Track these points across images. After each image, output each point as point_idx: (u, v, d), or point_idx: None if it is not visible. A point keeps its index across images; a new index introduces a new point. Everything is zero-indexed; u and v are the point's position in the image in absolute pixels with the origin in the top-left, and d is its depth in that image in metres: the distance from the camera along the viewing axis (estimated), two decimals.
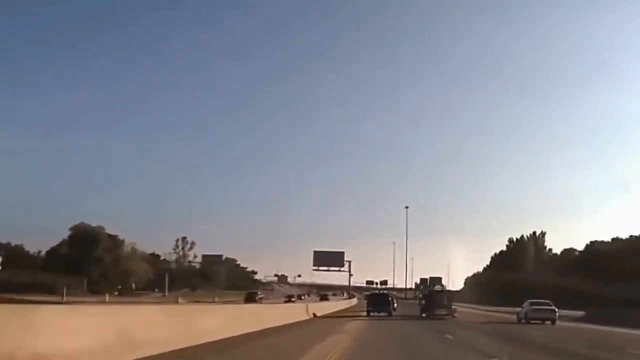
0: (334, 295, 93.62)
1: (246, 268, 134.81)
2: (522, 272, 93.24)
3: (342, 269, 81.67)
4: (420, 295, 56.98)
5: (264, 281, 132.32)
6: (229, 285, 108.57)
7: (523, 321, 32.81)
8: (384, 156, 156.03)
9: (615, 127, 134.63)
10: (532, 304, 33.66)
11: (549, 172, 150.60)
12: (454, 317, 35.15)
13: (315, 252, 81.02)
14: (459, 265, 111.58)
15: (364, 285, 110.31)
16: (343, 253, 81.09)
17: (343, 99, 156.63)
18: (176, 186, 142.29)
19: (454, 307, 36.80)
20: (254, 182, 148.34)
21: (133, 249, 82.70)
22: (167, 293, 78.84)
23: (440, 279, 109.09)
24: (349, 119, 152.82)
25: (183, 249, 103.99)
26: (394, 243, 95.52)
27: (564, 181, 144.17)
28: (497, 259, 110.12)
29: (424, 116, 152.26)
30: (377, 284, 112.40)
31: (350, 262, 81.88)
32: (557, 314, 32.44)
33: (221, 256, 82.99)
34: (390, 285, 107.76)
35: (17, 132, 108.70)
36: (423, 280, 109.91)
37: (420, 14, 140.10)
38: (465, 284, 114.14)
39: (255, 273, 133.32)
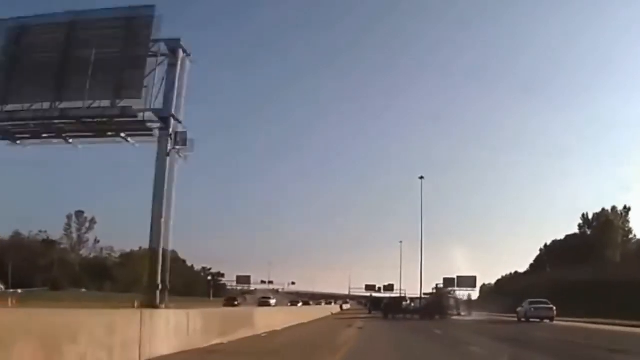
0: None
1: (209, 269, 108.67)
2: (603, 266, 58.58)
3: None
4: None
5: (252, 288, 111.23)
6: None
7: (523, 319, 34.16)
8: (389, 162, 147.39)
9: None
10: (530, 303, 35.19)
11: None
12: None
13: None
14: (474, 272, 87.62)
15: (364, 291, 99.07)
16: None
17: (345, 107, 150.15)
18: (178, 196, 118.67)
19: None
20: (254, 190, 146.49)
21: None
22: None
23: (474, 277, 77.53)
24: (350, 128, 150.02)
25: (79, 229, 67.59)
26: (401, 242, 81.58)
27: None
28: (557, 249, 74.73)
29: (428, 121, 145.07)
30: (379, 288, 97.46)
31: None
32: (555, 312, 33.77)
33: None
34: (397, 289, 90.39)
35: None
36: (448, 281, 76.35)
37: (421, 23, 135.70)
38: (481, 291, 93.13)
39: (222, 275, 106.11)
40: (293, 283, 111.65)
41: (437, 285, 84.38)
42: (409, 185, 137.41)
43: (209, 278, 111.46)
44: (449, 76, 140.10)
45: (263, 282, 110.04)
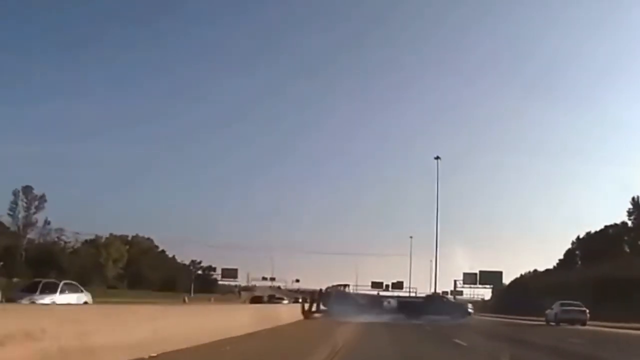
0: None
1: (199, 262, 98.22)
2: None
3: None
4: None
5: (251, 284, 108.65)
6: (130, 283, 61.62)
7: (552, 323, 32.47)
8: (394, 159, 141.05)
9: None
10: (562, 305, 33.10)
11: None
12: None
13: None
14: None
15: (369, 289, 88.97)
16: None
17: (346, 107, 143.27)
18: (175, 194, 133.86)
19: None
20: (256, 189, 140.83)
21: None
22: None
23: (500, 273, 71.34)
24: (355, 126, 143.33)
25: (28, 208, 56.70)
26: (411, 237, 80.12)
27: None
28: (593, 242, 64.80)
29: (431, 123, 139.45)
30: (386, 286, 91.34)
31: None
32: (588, 315, 31.89)
33: None
34: (406, 287, 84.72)
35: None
36: (468, 276, 66.24)
37: (426, 23, 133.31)
38: (493, 291, 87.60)
39: (213, 269, 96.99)
40: (297, 280, 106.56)
41: (455, 281, 76.85)
42: (416, 182, 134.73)
43: (199, 272, 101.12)
44: (452, 77, 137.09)
45: (264, 278, 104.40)
